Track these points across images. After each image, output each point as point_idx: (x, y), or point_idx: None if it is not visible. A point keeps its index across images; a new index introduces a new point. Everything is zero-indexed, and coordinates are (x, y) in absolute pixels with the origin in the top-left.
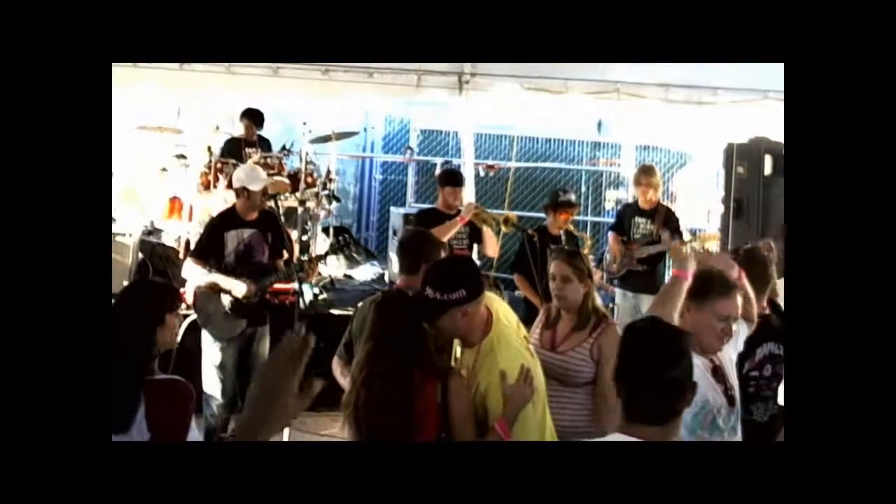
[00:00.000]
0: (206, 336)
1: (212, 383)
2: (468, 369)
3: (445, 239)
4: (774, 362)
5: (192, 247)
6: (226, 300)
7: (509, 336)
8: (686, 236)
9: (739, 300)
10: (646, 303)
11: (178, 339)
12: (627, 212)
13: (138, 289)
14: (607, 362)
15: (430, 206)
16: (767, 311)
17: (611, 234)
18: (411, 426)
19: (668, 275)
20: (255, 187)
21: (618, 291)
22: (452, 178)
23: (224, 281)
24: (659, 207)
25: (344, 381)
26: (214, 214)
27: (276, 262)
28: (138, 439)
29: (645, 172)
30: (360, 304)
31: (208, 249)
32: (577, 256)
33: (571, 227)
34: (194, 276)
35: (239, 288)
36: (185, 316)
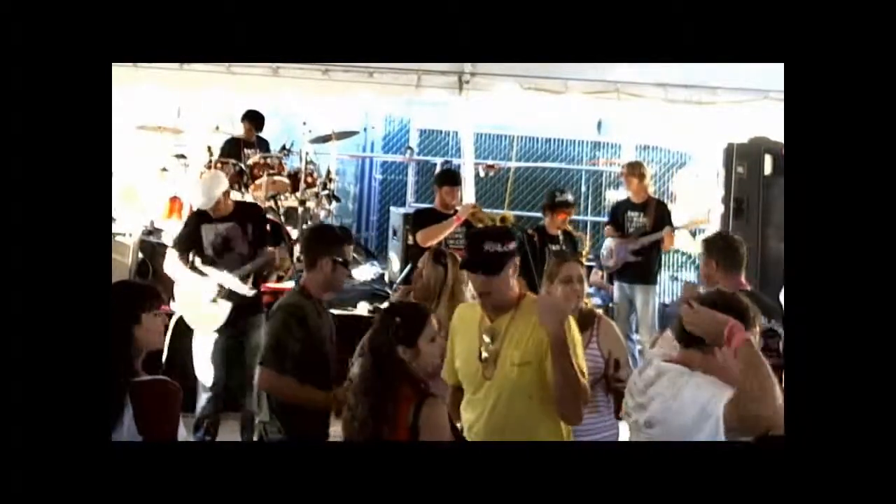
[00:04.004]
0: (196, 329)
1: (201, 377)
2: (499, 334)
3: (441, 238)
4: (767, 337)
5: (172, 241)
6: (205, 292)
7: None
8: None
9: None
10: (640, 292)
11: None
12: (620, 207)
13: (113, 288)
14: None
15: (428, 205)
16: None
17: (607, 230)
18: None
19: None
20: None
21: (616, 285)
22: (449, 177)
23: (211, 273)
24: (649, 200)
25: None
26: None
27: (263, 249)
28: (129, 440)
29: (628, 167)
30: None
31: (187, 242)
32: (579, 256)
33: (570, 227)
34: (175, 267)
35: (230, 282)
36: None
